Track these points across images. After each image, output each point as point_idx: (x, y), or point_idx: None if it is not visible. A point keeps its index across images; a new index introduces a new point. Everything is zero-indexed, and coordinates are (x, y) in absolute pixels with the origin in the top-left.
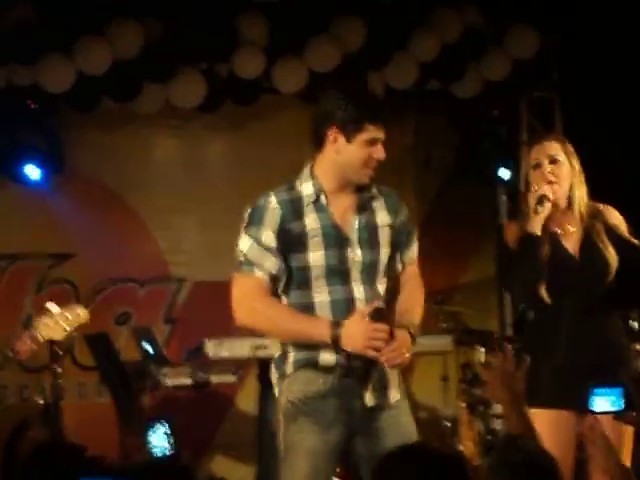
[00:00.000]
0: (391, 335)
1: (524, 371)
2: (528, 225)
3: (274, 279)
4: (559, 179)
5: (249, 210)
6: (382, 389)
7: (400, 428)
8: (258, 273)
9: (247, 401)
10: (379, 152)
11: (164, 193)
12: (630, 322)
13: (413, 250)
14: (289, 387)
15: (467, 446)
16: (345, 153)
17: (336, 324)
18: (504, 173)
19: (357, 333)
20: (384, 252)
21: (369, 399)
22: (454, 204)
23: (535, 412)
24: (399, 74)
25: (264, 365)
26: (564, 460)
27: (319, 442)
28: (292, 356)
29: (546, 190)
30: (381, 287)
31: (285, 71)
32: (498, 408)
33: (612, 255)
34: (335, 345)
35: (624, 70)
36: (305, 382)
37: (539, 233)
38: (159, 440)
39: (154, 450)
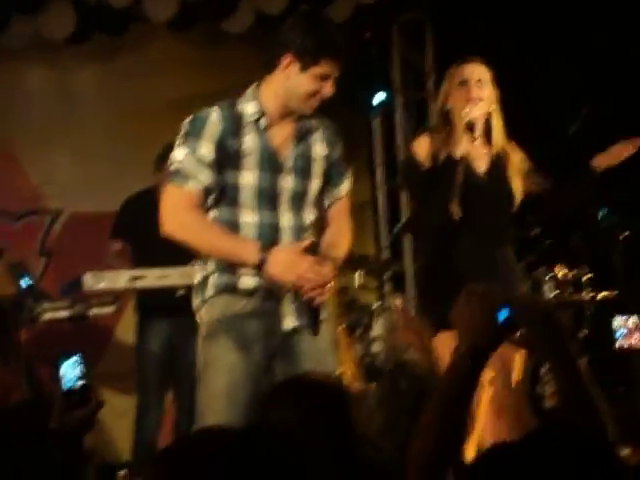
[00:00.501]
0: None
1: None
2: (452, 147)
3: (206, 193)
4: (482, 101)
5: (188, 121)
6: (303, 310)
7: (317, 354)
8: (191, 185)
9: (126, 332)
10: (329, 88)
11: (35, 126)
12: (555, 271)
13: (344, 186)
14: (210, 310)
15: (347, 369)
16: (295, 81)
17: (265, 249)
18: (378, 97)
19: (284, 262)
20: (315, 183)
21: (290, 321)
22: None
23: (446, 335)
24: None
25: (142, 295)
26: None
27: (239, 359)
28: (213, 280)
29: (476, 115)
30: (307, 218)
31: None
32: (376, 331)
33: (518, 186)
34: (259, 269)
35: None
36: (226, 304)
37: (460, 155)
38: (70, 372)
39: (66, 382)
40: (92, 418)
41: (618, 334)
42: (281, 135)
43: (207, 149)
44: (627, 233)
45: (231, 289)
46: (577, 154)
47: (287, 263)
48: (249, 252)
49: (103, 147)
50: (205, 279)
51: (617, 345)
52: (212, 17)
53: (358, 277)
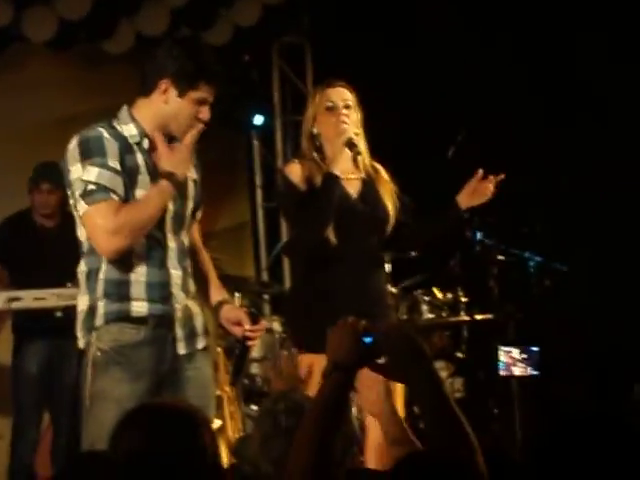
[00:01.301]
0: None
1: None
2: (331, 165)
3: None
4: (350, 125)
5: (80, 141)
6: (192, 336)
7: (202, 379)
8: (114, 196)
9: (2, 352)
10: (206, 113)
11: None
12: (433, 293)
13: (201, 209)
14: (99, 337)
15: (225, 391)
16: (174, 105)
17: (167, 174)
18: (258, 119)
19: (172, 155)
20: (190, 205)
21: (181, 347)
22: (208, 151)
23: (317, 357)
24: (150, 20)
25: (18, 317)
26: None
27: (128, 391)
28: (102, 308)
29: (352, 134)
30: (185, 240)
31: (34, 19)
32: (256, 352)
33: (390, 206)
34: (170, 177)
35: (374, 16)
36: (117, 332)
37: (340, 174)
38: None
39: None
40: None
41: (501, 364)
42: (157, 157)
43: (114, 163)
44: (502, 257)
45: (122, 317)
46: (454, 178)
47: (175, 155)
48: (162, 187)
49: None
50: (92, 307)
51: (501, 374)
52: (92, 37)
53: (237, 299)
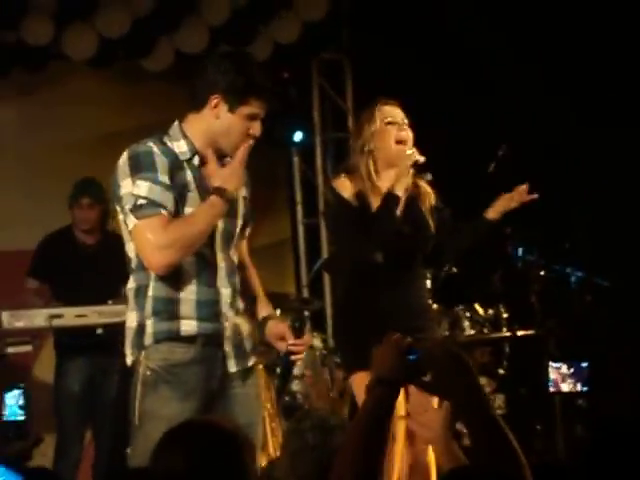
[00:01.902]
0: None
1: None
2: (394, 185)
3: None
4: (407, 143)
5: (129, 156)
6: (242, 354)
7: (250, 397)
8: (164, 212)
9: (44, 371)
10: (257, 128)
11: None
12: (474, 309)
13: (250, 226)
14: (149, 356)
15: (267, 408)
16: (225, 121)
17: (218, 190)
18: (297, 135)
19: (223, 172)
20: (239, 223)
21: (232, 365)
22: (248, 167)
23: (362, 375)
24: (190, 38)
25: (60, 334)
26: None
27: (178, 410)
28: (151, 326)
29: (417, 155)
30: (234, 257)
31: (74, 37)
32: (296, 369)
33: (431, 224)
34: (222, 194)
35: (413, 31)
36: (166, 351)
37: (401, 194)
38: (12, 405)
39: (7, 414)
40: (29, 452)
41: (550, 381)
42: (208, 174)
43: (165, 178)
44: (543, 273)
45: (171, 337)
46: (495, 193)
47: (227, 171)
48: (213, 202)
49: (22, 182)
50: (141, 325)
51: (550, 390)
52: (132, 55)
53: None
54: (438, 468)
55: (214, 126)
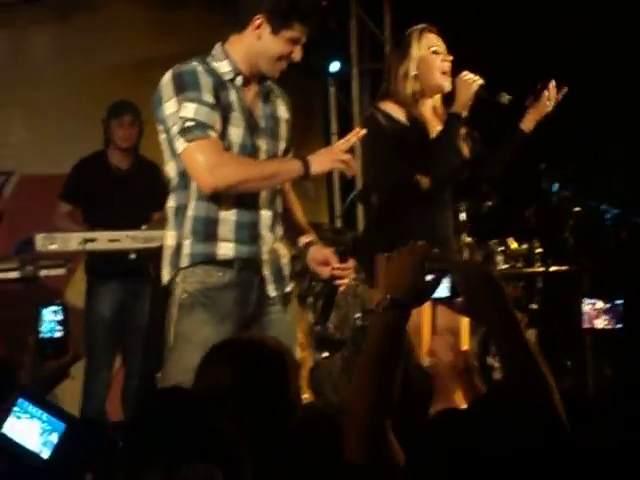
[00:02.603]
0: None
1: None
2: (456, 106)
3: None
4: (449, 75)
5: (173, 76)
6: (280, 279)
7: (286, 323)
8: (212, 134)
9: (76, 294)
10: (298, 52)
11: None
12: (459, 214)
13: (292, 150)
14: (185, 279)
15: (298, 337)
16: (266, 42)
17: (304, 159)
18: (334, 66)
19: (324, 154)
20: (282, 146)
21: (271, 289)
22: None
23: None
24: None
25: (92, 258)
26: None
27: (212, 334)
28: (188, 247)
29: (478, 80)
30: None
31: None
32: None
33: (466, 152)
34: (306, 174)
35: None
36: (203, 275)
37: (463, 115)
38: (49, 320)
39: (44, 330)
40: (66, 369)
41: (584, 316)
42: (250, 95)
43: (210, 97)
44: (578, 208)
45: (208, 260)
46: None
47: (325, 154)
48: (294, 165)
49: (56, 107)
50: (178, 246)
51: (584, 326)
52: None
53: None
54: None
55: (255, 47)
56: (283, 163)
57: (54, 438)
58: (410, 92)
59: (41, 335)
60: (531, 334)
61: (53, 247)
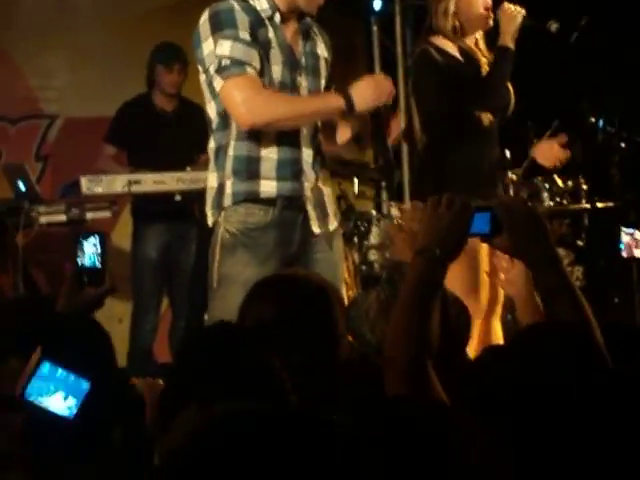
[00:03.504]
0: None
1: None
2: (503, 39)
3: (260, 77)
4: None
5: (210, 15)
6: (324, 217)
7: (331, 262)
8: (250, 70)
9: (122, 237)
10: None
11: (33, 32)
12: (553, 180)
13: (332, 88)
14: (227, 218)
15: (344, 277)
16: None
17: (345, 93)
18: (377, 4)
19: (367, 88)
20: (322, 83)
21: (315, 226)
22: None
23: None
24: None
25: (138, 200)
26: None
27: (255, 274)
28: (230, 187)
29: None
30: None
31: None
32: (374, 238)
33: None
34: (350, 110)
35: None
36: (245, 214)
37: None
38: (89, 251)
39: (83, 259)
40: (102, 299)
41: (623, 246)
42: (290, 32)
43: (246, 35)
44: (624, 144)
45: (251, 198)
46: (576, 62)
47: (367, 88)
48: (336, 100)
49: (99, 53)
50: (221, 185)
51: (622, 255)
52: None
53: (356, 185)
54: (516, 323)
55: None
56: (325, 98)
57: (78, 398)
58: (450, 28)
59: (79, 264)
60: (577, 271)
61: (98, 189)
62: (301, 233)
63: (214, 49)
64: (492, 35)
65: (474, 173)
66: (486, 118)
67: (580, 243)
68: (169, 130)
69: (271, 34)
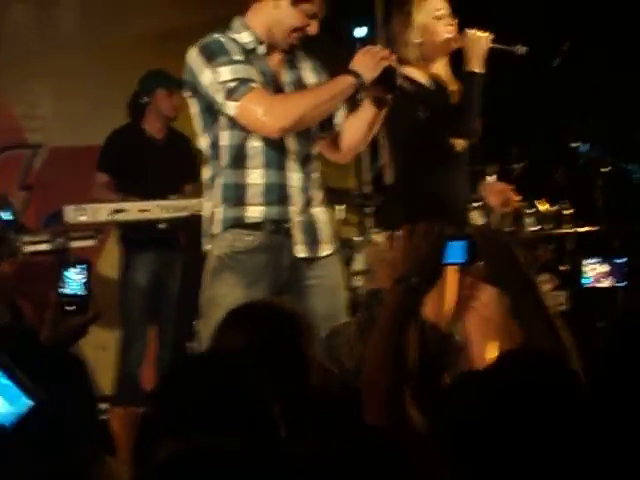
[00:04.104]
0: None
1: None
2: (470, 64)
3: None
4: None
5: (201, 48)
6: (314, 242)
7: (328, 288)
8: (256, 85)
9: (108, 265)
10: (314, 27)
11: (17, 59)
12: (537, 205)
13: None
14: (216, 244)
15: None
16: (284, 12)
17: (348, 69)
18: (359, 31)
19: (365, 59)
20: None
21: (300, 250)
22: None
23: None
24: None
25: (126, 229)
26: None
27: (242, 296)
28: (220, 214)
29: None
30: (311, 148)
31: None
32: (357, 265)
33: None
34: (361, 85)
35: None
36: (232, 239)
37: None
38: (72, 279)
39: (67, 288)
40: (86, 327)
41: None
42: (274, 63)
43: (241, 57)
44: (609, 169)
45: (238, 224)
46: (559, 86)
47: (367, 57)
48: (344, 79)
49: (84, 81)
50: (212, 214)
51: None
52: None
53: (339, 211)
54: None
55: (272, 15)
56: (334, 82)
57: (18, 410)
58: (415, 57)
59: (61, 292)
60: (561, 296)
61: (82, 218)
62: (290, 259)
63: (214, 79)
64: (458, 61)
65: (445, 201)
66: (459, 144)
67: (564, 268)
68: (159, 158)
69: (256, 66)
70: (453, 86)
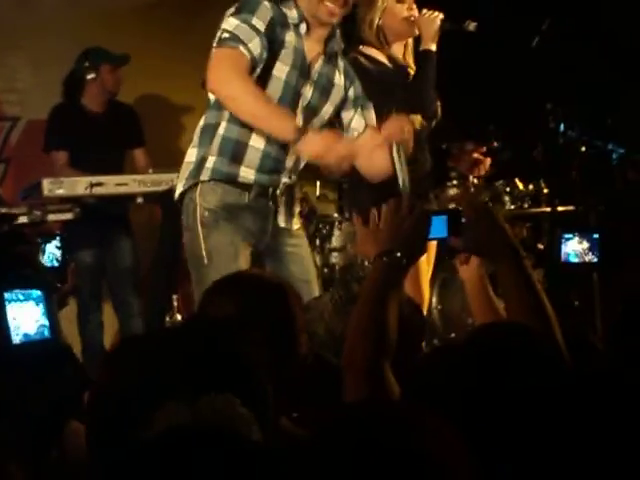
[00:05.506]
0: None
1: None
2: (425, 43)
3: (253, 64)
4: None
5: (237, 4)
6: (291, 214)
7: (302, 256)
8: (242, 49)
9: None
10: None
11: None
12: (514, 184)
13: (371, 116)
14: (204, 196)
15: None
16: None
17: (302, 130)
18: None
19: (323, 138)
20: (329, 107)
21: (282, 220)
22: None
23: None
24: None
25: (100, 201)
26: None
27: (240, 247)
28: (212, 163)
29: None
30: None
31: None
32: (335, 242)
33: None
34: (293, 144)
35: None
36: (222, 193)
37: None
38: (53, 253)
39: (47, 260)
40: (65, 298)
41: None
42: (313, 50)
43: (259, 23)
44: (585, 148)
45: (229, 180)
46: (539, 67)
47: (322, 140)
48: (286, 128)
49: (63, 54)
50: (202, 159)
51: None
52: None
53: (318, 188)
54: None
55: None
56: (282, 118)
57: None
58: (375, 39)
59: (42, 262)
60: (538, 274)
61: (60, 192)
62: (273, 225)
63: (223, 25)
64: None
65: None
66: (417, 121)
67: (541, 246)
68: (101, 130)
69: (290, 37)
70: (412, 70)
